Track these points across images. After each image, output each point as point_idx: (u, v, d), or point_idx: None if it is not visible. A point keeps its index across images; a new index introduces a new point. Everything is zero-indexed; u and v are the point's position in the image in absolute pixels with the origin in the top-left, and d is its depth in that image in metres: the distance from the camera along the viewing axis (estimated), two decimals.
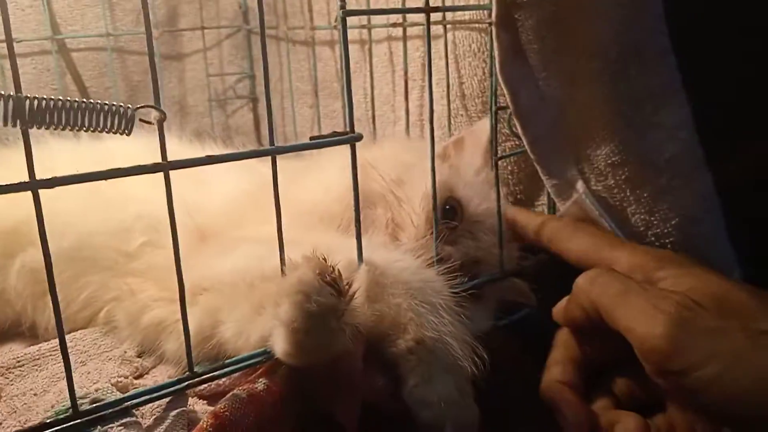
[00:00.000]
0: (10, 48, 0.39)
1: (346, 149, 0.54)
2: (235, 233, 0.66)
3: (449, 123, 0.82)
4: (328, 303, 0.45)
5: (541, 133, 0.60)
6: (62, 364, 0.62)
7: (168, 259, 0.48)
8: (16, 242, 0.72)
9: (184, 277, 0.48)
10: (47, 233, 0.70)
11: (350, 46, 1.01)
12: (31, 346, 0.67)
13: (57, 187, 0.77)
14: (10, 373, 0.63)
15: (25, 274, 0.71)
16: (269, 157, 0.51)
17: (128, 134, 0.43)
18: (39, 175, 0.41)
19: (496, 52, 0.58)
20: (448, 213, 0.66)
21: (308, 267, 0.47)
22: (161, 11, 1.22)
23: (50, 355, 0.64)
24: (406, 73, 0.87)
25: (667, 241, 0.55)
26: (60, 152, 0.80)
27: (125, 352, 0.63)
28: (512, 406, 0.63)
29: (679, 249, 0.55)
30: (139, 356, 0.64)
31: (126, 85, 1.21)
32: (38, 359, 0.64)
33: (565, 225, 0.60)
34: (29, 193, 0.41)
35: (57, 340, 0.66)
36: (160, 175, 0.45)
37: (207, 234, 0.68)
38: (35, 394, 0.59)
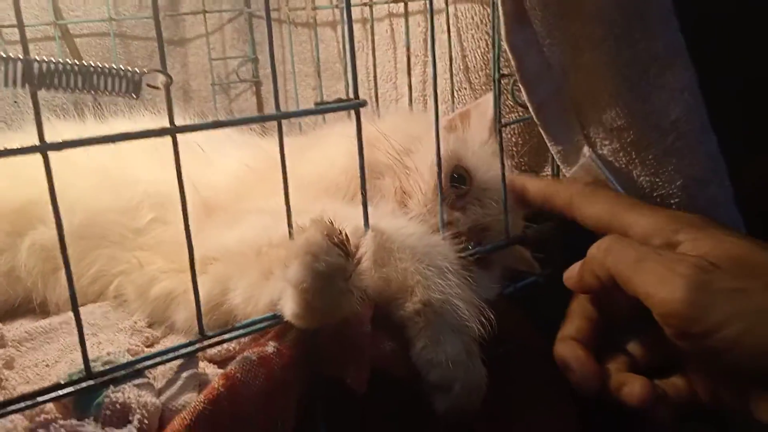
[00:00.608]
0: (19, 15, 0.39)
1: (350, 124, 0.54)
2: (241, 206, 0.67)
3: (452, 97, 0.83)
4: (336, 263, 0.46)
5: (546, 100, 0.60)
6: (73, 336, 0.63)
7: (175, 234, 0.48)
8: (26, 220, 0.73)
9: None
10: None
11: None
12: (42, 320, 0.68)
13: (67, 169, 0.77)
14: (22, 345, 0.64)
15: (36, 252, 0.72)
16: (274, 135, 0.51)
17: (135, 97, 0.44)
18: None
19: (501, 20, 0.59)
20: (456, 181, 0.67)
21: (316, 229, 0.47)
22: None
23: (61, 328, 0.65)
24: (408, 48, 0.87)
25: (672, 202, 0.56)
26: (65, 133, 0.80)
27: (135, 323, 0.64)
28: (517, 374, 0.64)
29: (685, 210, 0.55)
30: (149, 327, 0.64)
31: None
32: (49, 332, 0.65)
33: (582, 190, 0.58)
34: (38, 172, 0.41)
35: (67, 314, 0.67)
36: (168, 154, 0.45)
37: (213, 209, 0.68)
38: (47, 365, 0.59)
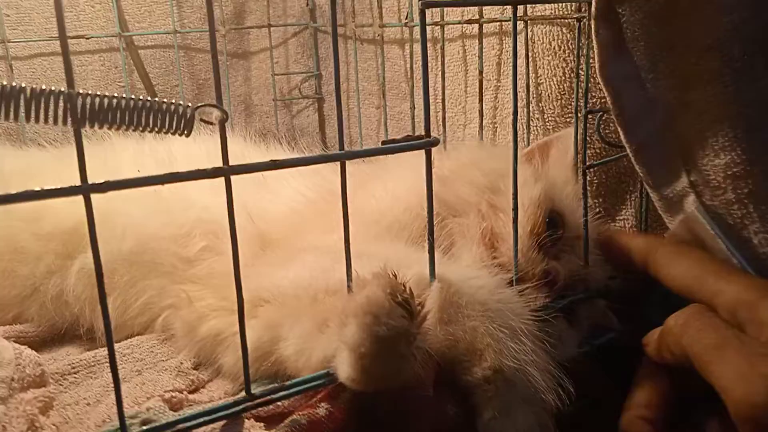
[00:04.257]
0: (63, 41, 0.36)
1: (417, 155, 0.49)
2: (298, 241, 0.63)
3: (527, 127, 0.77)
4: (399, 326, 0.41)
5: (647, 140, 0.53)
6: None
7: (228, 266, 0.45)
8: (77, 243, 0.70)
9: (243, 286, 0.44)
10: (107, 235, 0.69)
11: None
12: (87, 352, 0.65)
13: (118, 192, 0.75)
14: (64, 379, 0.61)
15: (84, 277, 0.69)
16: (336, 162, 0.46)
17: (187, 135, 0.40)
18: (101, 173, 0.38)
19: (594, 50, 0.53)
20: (550, 225, 0.60)
21: (378, 285, 0.43)
22: (228, 8, 1.21)
23: (105, 362, 0.62)
24: (481, 72, 0.81)
25: None
26: (123, 152, 0.78)
27: (181, 363, 0.60)
28: None
29: None
30: (195, 368, 0.60)
31: (192, 83, 1.20)
32: (93, 366, 0.62)
33: (668, 248, 0.53)
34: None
35: (114, 347, 0.64)
36: (222, 178, 0.41)
37: (269, 241, 0.64)
38: (88, 404, 0.56)
